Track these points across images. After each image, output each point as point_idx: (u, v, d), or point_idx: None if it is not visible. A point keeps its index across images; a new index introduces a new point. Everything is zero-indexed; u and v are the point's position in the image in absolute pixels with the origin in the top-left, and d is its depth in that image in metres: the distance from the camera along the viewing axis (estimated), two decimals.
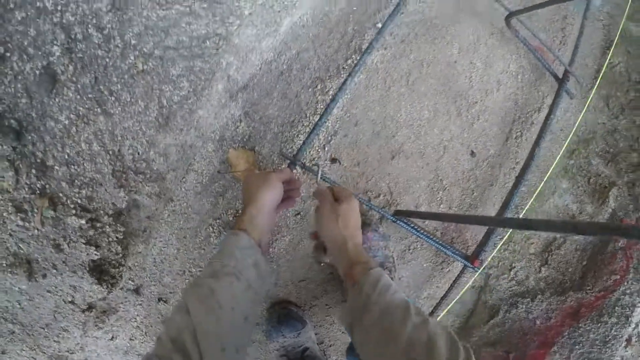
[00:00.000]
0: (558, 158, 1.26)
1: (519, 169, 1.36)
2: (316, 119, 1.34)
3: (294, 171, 1.29)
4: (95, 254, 1.10)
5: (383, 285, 0.83)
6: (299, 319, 1.31)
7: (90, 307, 1.19)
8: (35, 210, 1.02)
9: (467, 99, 1.35)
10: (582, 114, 1.27)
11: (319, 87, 1.33)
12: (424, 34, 1.35)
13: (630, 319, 1.11)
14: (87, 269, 1.11)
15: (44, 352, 1.19)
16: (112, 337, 1.29)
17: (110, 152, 1.11)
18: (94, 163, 1.09)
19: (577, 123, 1.24)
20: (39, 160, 1.02)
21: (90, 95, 1.05)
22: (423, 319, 0.75)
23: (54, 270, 1.08)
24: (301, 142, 1.34)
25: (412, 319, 0.75)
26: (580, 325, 1.17)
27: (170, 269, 1.33)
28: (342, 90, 1.25)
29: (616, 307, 1.15)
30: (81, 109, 1.04)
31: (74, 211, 1.06)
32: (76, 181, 1.07)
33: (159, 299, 1.34)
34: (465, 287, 1.28)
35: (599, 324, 1.16)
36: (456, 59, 1.35)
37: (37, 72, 1.00)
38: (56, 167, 1.04)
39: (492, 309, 1.29)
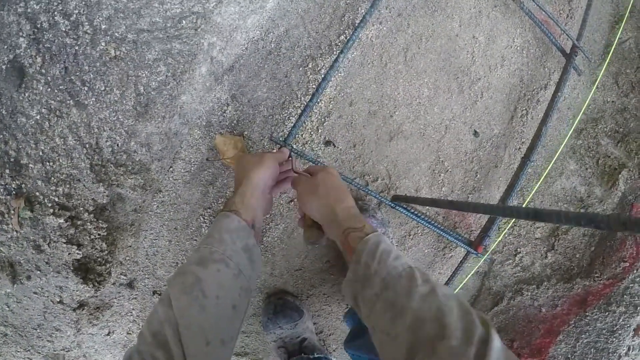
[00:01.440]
0: (567, 138, 1.14)
1: (524, 149, 1.24)
2: (308, 99, 1.23)
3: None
4: (78, 253, 1.01)
5: (383, 251, 0.71)
6: (295, 309, 1.23)
7: (81, 305, 1.12)
8: (12, 211, 0.93)
9: (470, 75, 1.22)
10: (591, 92, 1.14)
11: (310, 65, 1.20)
12: (422, 7, 1.21)
13: (639, 308, 1.02)
14: (71, 268, 1.03)
15: (39, 352, 1.13)
16: (109, 333, 1.23)
17: (87, 146, 1.00)
18: (70, 158, 0.99)
19: (587, 102, 1.11)
20: (12, 160, 0.92)
21: (61, 87, 0.94)
22: (430, 288, 0.63)
23: (38, 272, 1.00)
24: (293, 125, 1.22)
25: (418, 289, 0.63)
26: (587, 313, 1.09)
27: (163, 261, 1.25)
28: (334, 68, 1.12)
29: (625, 296, 1.06)
30: (53, 102, 0.94)
31: (52, 210, 0.97)
32: (52, 178, 0.97)
33: (154, 292, 1.26)
34: (469, 275, 1.19)
35: (607, 313, 1.07)
36: (457, 33, 1.21)
37: (4, 66, 0.89)
38: (31, 165, 0.94)
39: (496, 295, 1.21)
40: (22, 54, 0.88)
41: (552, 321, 1.12)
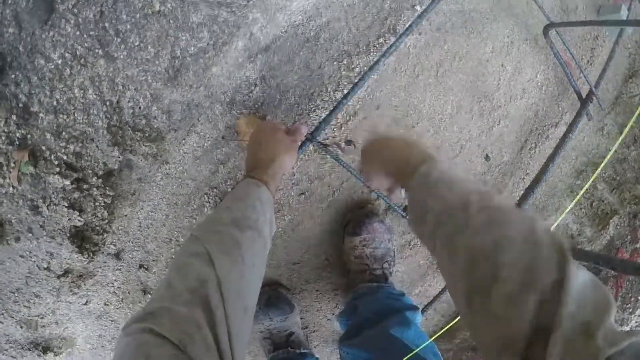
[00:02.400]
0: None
1: (528, 180, 1.25)
2: (337, 95, 1.15)
3: (308, 148, 1.11)
4: (79, 220, 0.88)
5: (434, 183, 0.59)
6: (287, 302, 1.16)
7: (66, 272, 0.98)
8: (12, 164, 0.78)
9: (492, 101, 1.21)
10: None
11: (345, 61, 1.12)
12: (460, 26, 1.17)
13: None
14: (68, 235, 0.89)
15: (12, 317, 0.98)
16: (86, 302, 1.09)
17: (108, 103, 0.87)
18: (87, 114, 0.85)
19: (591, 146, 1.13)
20: (21, 105, 0.77)
21: (92, 33, 0.79)
22: (488, 217, 0.49)
23: (29, 234, 0.86)
24: (318, 117, 1.14)
25: (471, 221, 0.50)
26: None
27: (156, 236, 1.13)
28: (372, 70, 1.05)
29: None
30: (79, 48, 0.79)
31: (58, 169, 0.83)
32: (64, 133, 0.83)
33: (140, 266, 1.14)
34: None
35: None
36: (488, 58, 1.19)
37: None
38: (41, 115, 0.80)
39: None
40: None
41: None
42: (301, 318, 1.22)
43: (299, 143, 0.91)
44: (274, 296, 1.15)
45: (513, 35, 1.20)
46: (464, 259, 0.48)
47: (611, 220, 1.21)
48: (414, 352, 0.88)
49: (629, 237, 1.20)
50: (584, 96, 1.18)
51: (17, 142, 0.78)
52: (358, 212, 1.15)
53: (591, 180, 1.06)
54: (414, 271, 1.24)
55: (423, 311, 1.20)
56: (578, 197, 1.13)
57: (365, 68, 1.16)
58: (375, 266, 1.12)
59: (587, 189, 1.21)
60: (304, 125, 0.93)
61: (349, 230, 1.14)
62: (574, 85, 1.17)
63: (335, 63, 1.12)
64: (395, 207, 1.13)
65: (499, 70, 1.20)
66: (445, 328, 1.21)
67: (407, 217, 0.67)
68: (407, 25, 1.17)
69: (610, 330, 0.36)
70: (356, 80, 1.15)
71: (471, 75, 1.18)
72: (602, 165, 1.08)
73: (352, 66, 1.13)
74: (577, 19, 1.25)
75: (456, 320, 1.16)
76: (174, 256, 1.15)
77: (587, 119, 1.16)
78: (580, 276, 0.40)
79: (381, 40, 1.14)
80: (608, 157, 1.13)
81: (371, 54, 1.13)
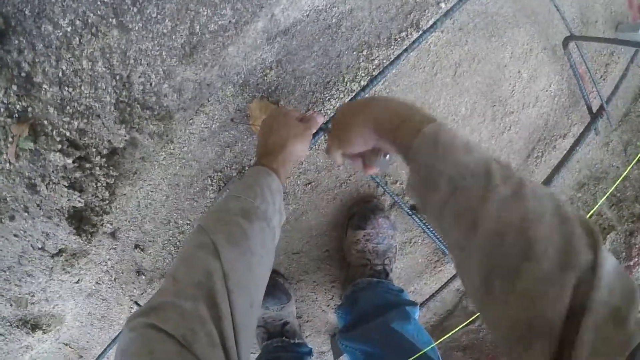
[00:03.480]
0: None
1: None
2: (354, 86, 1.08)
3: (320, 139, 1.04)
4: (79, 201, 0.80)
5: (445, 144, 0.49)
6: (285, 291, 1.12)
7: (60, 252, 0.91)
8: (10, 138, 0.69)
9: (505, 106, 1.16)
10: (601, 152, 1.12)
11: (364, 52, 1.05)
12: (482, 28, 1.11)
13: None
14: (66, 215, 0.81)
15: (2, 295, 0.91)
16: (78, 280, 1.02)
17: (117, 78, 0.78)
18: (95, 88, 0.76)
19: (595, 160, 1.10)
20: (23, 74, 0.68)
21: (106, 0, 0.70)
22: (514, 188, 0.42)
23: (25, 214, 0.78)
24: (332, 107, 1.08)
25: (496, 191, 0.42)
26: None
27: (154, 216, 1.06)
28: (394, 64, 0.99)
29: None
30: (92, 15, 0.70)
31: (60, 146, 0.74)
32: (68, 108, 0.74)
33: (136, 246, 1.07)
34: (449, 287, 1.16)
35: None
36: (506, 64, 1.14)
37: None
38: (45, 86, 0.71)
39: (471, 315, 1.20)
40: None
41: None
42: (296, 308, 1.18)
43: (313, 132, 0.85)
44: (271, 285, 1.10)
45: (533, 43, 1.14)
46: (487, 234, 0.42)
47: (608, 236, 1.21)
48: (422, 351, 0.85)
49: (624, 253, 1.20)
50: (594, 110, 1.15)
51: (17, 115, 0.69)
52: (363, 206, 1.11)
53: (602, 200, 1.04)
54: (411, 269, 1.21)
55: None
56: (589, 214, 1.12)
57: (385, 61, 1.09)
58: (376, 261, 1.09)
59: (587, 202, 1.19)
60: (320, 115, 0.86)
61: (353, 224, 1.10)
62: (586, 98, 1.13)
63: (354, 53, 1.05)
64: (402, 204, 1.08)
65: (515, 77, 1.15)
66: (459, 328, 1.20)
67: (407, 182, 0.55)
68: (430, 21, 1.10)
69: (639, 318, 0.33)
70: (374, 73, 1.09)
71: (488, 78, 1.13)
72: (615, 184, 1.06)
73: (372, 58, 1.06)
74: (595, 32, 1.21)
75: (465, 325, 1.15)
76: (180, 242, 1.09)
77: (594, 134, 1.14)
78: (610, 261, 0.36)
79: (403, 34, 1.07)
80: (623, 175, 1.11)
81: (392, 47, 1.07)
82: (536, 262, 0.37)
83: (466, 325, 1.22)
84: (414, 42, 0.99)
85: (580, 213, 0.40)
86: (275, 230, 0.67)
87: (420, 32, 1.02)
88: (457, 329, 1.11)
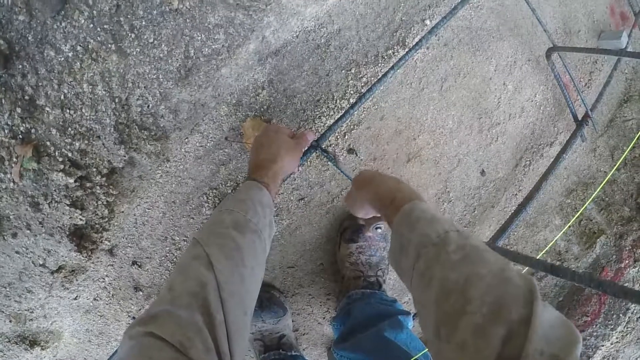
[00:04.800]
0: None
1: (520, 196, 1.28)
2: (343, 104, 1.14)
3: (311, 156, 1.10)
4: (80, 219, 0.85)
5: (417, 217, 0.61)
6: (281, 305, 1.15)
7: (60, 268, 0.95)
8: (15, 159, 0.74)
9: (492, 118, 1.22)
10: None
11: (353, 70, 1.11)
12: (467, 43, 1.18)
13: (590, 359, 1.11)
14: (67, 232, 0.86)
15: (2, 311, 0.94)
16: (76, 297, 1.06)
17: (117, 100, 0.83)
18: (95, 110, 0.81)
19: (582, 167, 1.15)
20: (27, 97, 0.74)
21: (106, 27, 0.76)
22: (464, 255, 0.51)
23: (27, 231, 0.82)
24: (322, 124, 1.13)
25: (448, 257, 0.52)
26: None
27: (152, 233, 1.10)
28: (381, 82, 1.05)
29: None
30: (92, 41, 0.76)
31: (62, 166, 0.79)
32: (70, 129, 0.80)
33: (133, 262, 1.11)
34: None
35: None
36: (491, 76, 1.20)
37: None
38: (47, 109, 0.76)
39: None
40: None
41: None
42: (292, 321, 1.21)
43: (303, 149, 0.91)
44: (266, 299, 1.14)
45: (517, 55, 1.21)
46: (437, 291, 0.50)
47: (598, 240, 1.25)
48: (415, 357, 0.89)
49: (614, 256, 1.24)
50: (579, 118, 1.21)
51: (21, 136, 0.75)
52: (356, 220, 1.15)
53: (584, 206, 1.09)
54: None
55: (415, 318, 1.21)
56: (572, 221, 1.16)
57: (373, 78, 1.15)
58: (369, 273, 1.13)
59: (576, 208, 1.24)
60: (310, 133, 0.93)
61: (345, 237, 1.14)
62: (571, 107, 1.19)
63: (343, 71, 1.11)
64: None
65: (501, 89, 1.21)
66: None
67: (389, 249, 0.68)
68: (416, 39, 1.17)
69: None
70: (363, 90, 1.15)
71: (474, 91, 1.19)
72: (600, 187, 1.11)
73: (360, 76, 1.12)
74: (579, 41, 1.27)
75: None
76: (177, 258, 1.13)
77: (581, 140, 1.19)
78: (546, 313, 0.41)
79: (390, 52, 1.13)
80: (607, 178, 1.16)
81: (379, 64, 1.13)
82: (472, 316, 0.43)
83: None
84: (400, 59, 1.06)
85: (525, 274, 0.48)
86: (266, 242, 0.72)
87: (407, 50, 1.08)
88: None
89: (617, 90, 1.33)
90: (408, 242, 0.59)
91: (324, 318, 1.24)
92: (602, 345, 1.11)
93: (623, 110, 1.31)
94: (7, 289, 0.92)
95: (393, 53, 1.13)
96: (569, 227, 1.21)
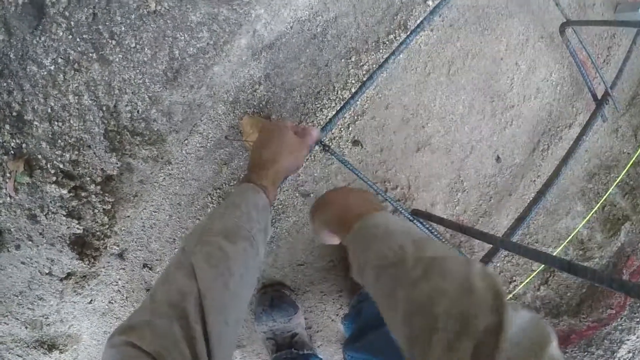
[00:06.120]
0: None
1: (539, 182, 1.19)
2: (345, 94, 1.08)
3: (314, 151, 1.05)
4: (78, 228, 0.83)
5: (371, 237, 0.57)
6: (291, 303, 1.12)
7: (69, 275, 0.95)
8: (8, 174, 0.73)
9: (505, 101, 1.13)
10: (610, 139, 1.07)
11: (353, 59, 1.05)
12: (474, 23, 1.08)
13: (615, 354, 1.02)
14: (68, 242, 0.85)
15: (17, 319, 0.96)
16: (91, 301, 1.06)
17: (104, 108, 0.80)
18: (83, 120, 0.79)
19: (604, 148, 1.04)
20: (15, 113, 0.72)
21: (85, 37, 0.73)
22: (423, 270, 0.47)
23: (29, 242, 0.82)
24: (324, 116, 1.07)
25: (407, 275, 0.49)
26: (567, 350, 1.07)
27: (160, 235, 1.08)
28: (382, 69, 0.98)
29: (605, 340, 1.05)
30: (72, 52, 0.73)
31: (54, 178, 0.77)
32: (59, 141, 0.78)
33: (144, 265, 1.10)
34: None
35: (585, 353, 1.06)
36: (502, 57, 1.11)
37: (21, 0, 0.66)
38: (36, 123, 0.74)
39: None
40: None
41: None
42: (305, 319, 1.19)
43: (309, 147, 0.84)
44: (277, 297, 1.11)
45: (528, 33, 1.10)
46: (403, 312, 0.47)
47: (622, 227, 1.15)
48: None
49: None
50: (599, 97, 1.10)
51: (12, 152, 0.73)
52: None
53: (608, 192, 0.99)
54: None
55: None
56: (596, 207, 1.07)
57: (375, 66, 1.08)
58: None
59: (599, 193, 1.14)
60: (314, 129, 0.86)
61: None
62: (590, 85, 1.08)
63: (343, 60, 1.05)
64: (402, 210, 1.07)
65: (513, 69, 1.11)
66: None
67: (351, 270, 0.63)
68: (418, 21, 1.08)
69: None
70: (365, 79, 1.08)
71: (484, 73, 1.10)
72: (623, 172, 1.01)
73: (361, 64, 1.05)
74: (594, 15, 1.15)
75: None
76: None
77: (601, 121, 1.08)
78: (517, 318, 0.39)
79: (391, 36, 1.06)
80: (632, 160, 1.05)
81: (380, 51, 1.06)
82: (441, 333, 0.41)
83: None
84: (401, 44, 0.98)
85: (491, 278, 0.44)
86: (259, 248, 0.68)
87: (408, 33, 1.00)
88: None
89: (638, 66, 1.20)
90: (365, 263, 0.56)
91: (337, 315, 1.20)
92: (628, 340, 1.02)
93: None
94: (19, 298, 0.93)
95: (395, 38, 1.06)
96: (589, 209, 1.11)
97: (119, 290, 1.12)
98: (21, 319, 0.97)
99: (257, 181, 0.73)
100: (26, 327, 1.00)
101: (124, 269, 1.09)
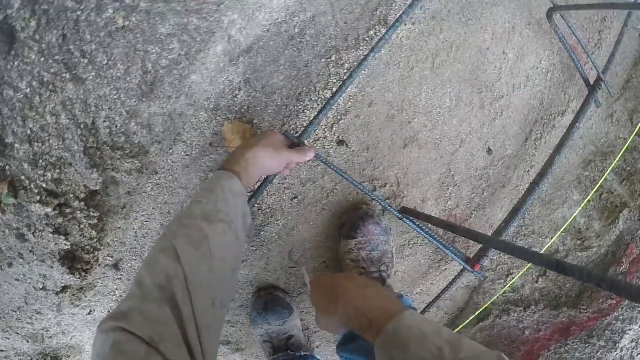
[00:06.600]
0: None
1: (532, 172, 1.18)
2: (326, 94, 1.09)
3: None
4: (65, 244, 0.87)
5: (404, 340, 0.57)
6: (285, 306, 1.15)
7: (64, 288, 0.99)
8: None
9: (493, 91, 1.12)
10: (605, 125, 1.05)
11: (333, 58, 1.05)
12: (457, 13, 1.08)
13: (617, 344, 1.02)
14: (57, 257, 0.89)
15: (18, 333, 1.01)
16: (90, 312, 1.11)
17: (82, 126, 0.84)
18: (62, 139, 0.82)
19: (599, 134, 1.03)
20: None
21: (57, 57, 0.76)
22: None
23: (21, 259, 0.86)
24: (307, 118, 1.09)
25: None
26: (568, 342, 1.07)
27: (153, 244, 1.12)
28: (361, 66, 0.99)
29: (606, 331, 1.05)
30: (46, 74, 0.76)
31: (38, 197, 0.81)
32: (41, 161, 0.81)
33: None
34: (457, 284, 1.14)
35: (587, 345, 1.06)
36: (488, 46, 1.10)
37: None
38: (16, 145, 0.78)
39: (483, 311, 1.18)
40: (13, 15, 0.69)
41: (533, 344, 1.11)
42: (301, 320, 1.21)
43: (296, 158, 0.87)
44: (270, 300, 1.14)
45: (514, 20, 1.09)
46: None
47: (621, 214, 1.13)
48: None
49: (639, 231, 1.12)
50: (591, 82, 1.08)
51: None
52: (353, 214, 1.11)
53: (603, 177, 0.98)
54: (414, 270, 1.20)
55: (426, 309, 1.17)
56: (591, 194, 1.06)
57: (356, 64, 1.08)
58: (372, 269, 1.09)
59: (595, 180, 1.13)
60: (311, 150, 0.89)
61: (343, 233, 1.11)
62: (581, 70, 1.07)
63: (322, 60, 1.06)
64: (390, 208, 1.08)
65: (500, 58, 1.10)
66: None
67: None
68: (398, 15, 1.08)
69: None
70: (346, 77, 1.09)
71: (470, 64, 1.10)
72: (618, 156, 1.00)
73: (341, 62, 1.06)
74: None
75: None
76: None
77: (595, 106, 1.07)
78: None
79: (371, 32, 1.06)
80: (626, 145, 1.04)
81: (361, 48, 1.06)
82: None
83: (479, 321, 1.21)
84: (380, 40, 0.98)
85: None
86: (239, 232, 0.71)
87: (385, 29, 1.01)
88: (465, 322, 1.10)
89: (630, 49, 1.17)
90: None
91: None
92: (630, 329, 1.02)
93: (639, 70, 1.16)
94: (18, 313, 0.97)
95: (375, 34, 1.06)
96: (588, 201, 1.11)
97: (117, 300, 1.16)
98: (21, 333, 1.02)
99: (229, 167, 0.76)
100: (27, 341, 1.05)
101: (120, 278, 1.14)
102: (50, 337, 1.10)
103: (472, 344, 0.54)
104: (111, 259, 1.09)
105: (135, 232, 1.10)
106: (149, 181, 1.04)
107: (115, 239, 1.06)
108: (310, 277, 0.87)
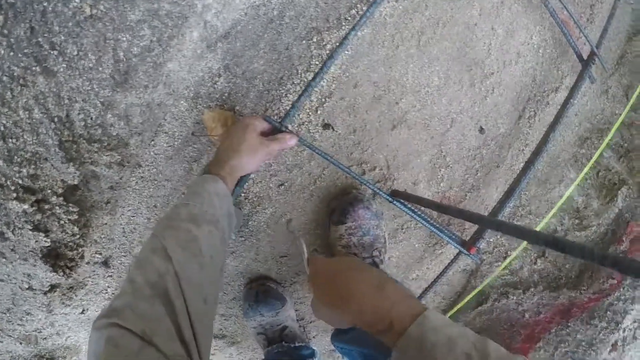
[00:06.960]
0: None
1: (527, 151, 1.16)
2: (309, 77, 1.07)
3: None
4: (45, 241, 0.87)
5: (430, 346, 0.55)
6: (278, 297, 1.15)
7: (53, 288, 0.99)
8: None
9: (483, 68, 1.10)
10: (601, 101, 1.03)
11: (314, 39, 1.04)
12: None
13: (620, 325, 1.00)
14: (39, 255, 0.89)
15: (10, 336, 1.02)
16: (83, 311, 1.12)
17: (56, 120, 0.83)
18: (37, 134, 0.82)
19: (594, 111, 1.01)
20: None
21: (26, 51, 0.75)
22: None
23: (3, 259, 0.87)
24: (290, 102, 1.08)
25: None
26: (569, 324, 1.06)
27: (141, 239, 1.12)
28: (342, 46, 0.97)
29: (608, 312, 1.03)
30: (16, 68, 0.75)
31: (15, 194, 0.81)
32: (16, 157, 0.81)
33: None
34: (454, 268, 1.14)
35: (588, 326, 1.04)
36: (476, 22, 1.07)
37: None
38: None
39: (481, 295, 1.17)
40: None
41: (533, 327, 1.10)
42: (296, 310, 1.21)
43: (273, 151, 0.89)
44: (262, 292, 1.14)
45: None
46: None
47: (619, 191, 1.11)
48: None
49: (639, 209, 1.10)
50: (585, 57, 1.06)
51: None
52: (342, 200, 1.10)
53: (597, 153, 0.96)
54: (409, 255, 1.19)
55: (422, 295, 1.16)
56: (585, 169, 1.04)
57: (338, 44, 1.07)
58: (364, 255, 1.08)
59: (592, 158, 1.10)
60: (293, 137, 0.91)
61: (334, 219, 1.10)
62: (574, 45, 1.04)
63: (304, 42, 1.04)
64: (380, 192, 1.07)
65: (489, 34, 1.08)
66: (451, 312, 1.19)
67: None
68: None
69: None
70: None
71: (458, 42, 1.07)
72: (612, 132, 0.98)
73: (323, 43, 1.04)
74: None
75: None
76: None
77: (589, 82, 1.04)
78: None
79: (353, 11, 1.04)
80: (620, 121, 1.02)
81: (343, 28, 1.04)
82: None
83: (478, 305, 1.20)
84: (360, 18, 0.97)
85: None
86: (225, 233, 0.76)
87: (367, 7, 0.99)
88: (461, 303, 1.09)
89: (623, 23, 1.14)
90: None
91: None
92: (632, 309, 1.00)
93: (633, 44, 1.13)
94: (8, 315, 0.98)
95: (357, 13, 1.04)
96: (584, 178, 1.08)
97: (110, 298, 1.17)
98: (14, 335, 1.03)
99: (214, 172, 0.81)
100: (21, 343, 1.06)
101: (110, 276, 1.14)
102: (45, 338, 1.11)
103: (497, 349, 0.53)
104: (100, 256, 1.09)
105: (123, 227, 1.10)
106: (133, 175, 1.04)
107: (102, 236, 1.07)
108: (309, 254, 0.88)
